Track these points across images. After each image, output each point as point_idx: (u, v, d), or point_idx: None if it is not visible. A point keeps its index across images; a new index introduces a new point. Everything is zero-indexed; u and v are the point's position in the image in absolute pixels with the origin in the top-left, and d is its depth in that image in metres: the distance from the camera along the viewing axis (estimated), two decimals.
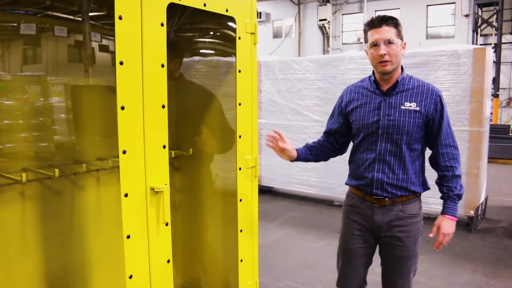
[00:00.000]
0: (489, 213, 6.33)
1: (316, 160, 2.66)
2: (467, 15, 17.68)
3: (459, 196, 2.39)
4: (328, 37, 21.23)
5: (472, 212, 5.61)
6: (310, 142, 2.66)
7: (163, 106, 2.03)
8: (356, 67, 6.34)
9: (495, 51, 15.60)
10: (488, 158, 6.48)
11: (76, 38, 2.67)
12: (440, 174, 2.43)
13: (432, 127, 2.37)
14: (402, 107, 2.34)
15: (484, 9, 17.16)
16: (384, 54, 2.28)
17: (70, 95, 2.62)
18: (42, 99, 2.51)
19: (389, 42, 2.29)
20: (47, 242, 2.48)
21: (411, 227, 2.40)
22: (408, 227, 2.40)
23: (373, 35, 2.31)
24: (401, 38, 2.33)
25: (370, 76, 2.47)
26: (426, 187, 2.47)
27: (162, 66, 2.02)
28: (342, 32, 21.68)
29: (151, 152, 1.97)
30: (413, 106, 2.32)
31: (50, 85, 2.56)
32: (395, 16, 2.33)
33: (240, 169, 2.58)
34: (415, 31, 18.39)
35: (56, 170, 2.34)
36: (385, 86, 2.40)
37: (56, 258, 2.54)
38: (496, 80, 15.66)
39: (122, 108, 1.81)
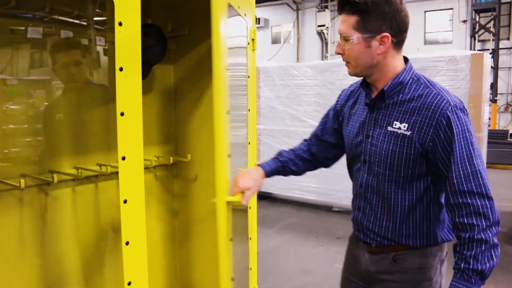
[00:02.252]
0: None
1: (286, 175, 2.07)
2: (464, 21, 17.75)
3: (478, 273, 1.48)
4: (326, 43, 21.28)
5: None
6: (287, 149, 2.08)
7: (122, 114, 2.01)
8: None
9: (492, 57, 15.65)
10: (487, 163, 6.49)
11: (82, 42, 2.68)
12: (455, 233, 1.59)
13: (437, 163, 1.57)
14: (389, 128, 1.63)
15: (481, 15, 17.25)
16: (340, 54, 1.69)
17: (72, 99, 2.63)
18: (46, 103, 2.52)
19: (343, 38, 1.64)
20: (46, 247, 2.47)
21: (408, 284, 1.69)
22: (402, 284, 1.69)
23: None
24: (372, 30, 1.57)
25: None
26: (438, 239, 1.70)
27: None
28: None
29: None
30: (403, 128, 1.59)
31: (55, 89, 2.58)
32: None
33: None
34: (413, 36, 18.42)
35: (55, 175, 2.34)
36: (374, 92, 1.73)
37: (55, 263, 2.52)
38: (494, 86, 15.72)
39: (122, 114, 1.80)
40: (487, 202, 1.52)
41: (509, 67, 17.03)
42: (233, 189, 1.78)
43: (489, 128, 12.75)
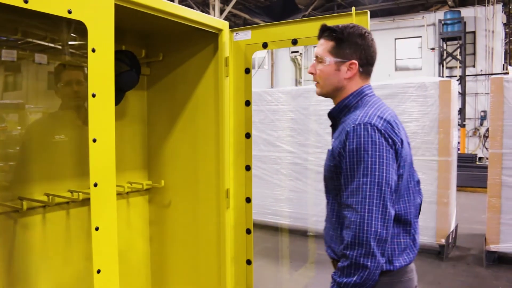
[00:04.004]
0: (460, 241, 6.42)
1: None
2: (433, 49, 18.33)
3: (338, 285, 1.58)
4: (300, 69, 21.62)
5: (443, 241, 5.69)
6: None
7: (95, 140, 2.01)
8: (327, 98, 6.46)
9: (460, 83, 16.19)
10: (457, 186, 6.63)
11: (56, 65, 2.66)
12: None
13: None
14: (331, 145, 1.80)
15: (448, 43, 17.87)
16: (312, 73, 1.89)
17: (47, 124, 2.60)
18: (19, 127, 2.49)
19: (317, 59, 1.85)
20: (14, 277, 2.40)
21: None
22: None
23: None
24: (344, 56, 1.77)
25: None
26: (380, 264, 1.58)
27: None
28: None
29: None
30: (331, 144, 1.78)
31: (28, 113, 2.54)
32: (342, 26, 1.80)
33: None
34: (384, 63, 18.93)
35: (25, 202, 2.29)
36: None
37: None
38: (462, 111, 16.21)
39: (94, 140, 1.79)
40: (356, 218, 1.55)
41: (475, 93, 17.57)
42: None
43: (459, 152, 13.07)
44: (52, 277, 2.54)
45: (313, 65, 1.87)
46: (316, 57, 1.85)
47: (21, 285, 2.44)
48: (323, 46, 1.83)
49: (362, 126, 1.61)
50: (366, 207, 1.54)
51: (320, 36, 1.86)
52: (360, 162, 1.58)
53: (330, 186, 1.77)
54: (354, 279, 1.54)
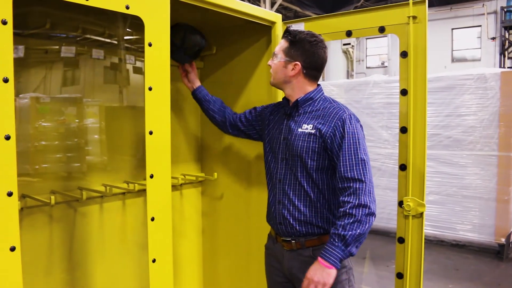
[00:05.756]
0: None
1: (207, 111, 2.64)
2: (493, 38, 17.50)
3: (342, 238, 1.86)
4: (352, 61, 21.26)
5: (503, 240, 5.44)
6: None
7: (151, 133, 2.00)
8: (380, 91, 6.32)
9: None
10: None
11: (112, 60, 2.73)
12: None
13: (332, 155, 2.02)
14: (300, 129, 2.09)
15: (511, 31, 16.99)
16: (270, 65, 2.19)
17: (104, 117, 2.68)
18: (77, 120, 2.57)
19: (273, 55, 2.17)
20: (73, 263, 2.50)
21: None
22: None
23: None
24: (291, 57, 2.10)
25: None
26: None
27: None
28: (366, 56, 21.69)
29: None
30: (309, 128, 2.06)
31: (85, 106, 2.62)
32: (298, 31, 2.14)
33: None
34: (440, 54, 18.27)
35: (84, 192, 2.38)
36: (289, 106, 2.21)
37: (82, 279, 2.55)
38: None
39: (150, 133, 1.83)
40: (361, 185, 1.92)
41: None
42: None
43: None
44: (108, 264, 2.63)
45: (271, 58, 2.19)
46: (274, 52, 2.17)
47: (80, 271, 2.55)
48: (281, 44, 2.15)
49: (353, 117, 2.05)
50: (368, 177, 1.94)
51: (282, 36, 2.17)
52: (357, 143, 1.97)
53: (307, 165, 2.06)
54: (359, 231, 1.86)
